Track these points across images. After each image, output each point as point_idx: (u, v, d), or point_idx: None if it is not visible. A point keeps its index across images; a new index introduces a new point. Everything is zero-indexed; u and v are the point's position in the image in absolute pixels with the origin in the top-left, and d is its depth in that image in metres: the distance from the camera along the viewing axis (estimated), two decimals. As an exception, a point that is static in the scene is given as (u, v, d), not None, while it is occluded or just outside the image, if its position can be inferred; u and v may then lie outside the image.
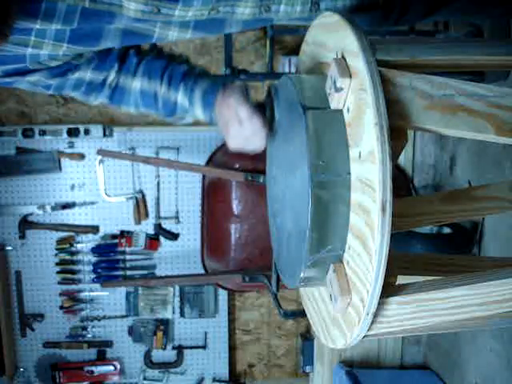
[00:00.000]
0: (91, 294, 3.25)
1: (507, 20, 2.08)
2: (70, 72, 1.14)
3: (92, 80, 1.18)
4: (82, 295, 3.26)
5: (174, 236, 3.25)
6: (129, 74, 1.19)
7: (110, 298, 3.29)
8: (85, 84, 1.18)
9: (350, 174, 0.89)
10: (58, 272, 3.21)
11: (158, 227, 3.21)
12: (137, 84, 1.20)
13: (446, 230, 2.61)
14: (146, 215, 3.20)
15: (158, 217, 3.21)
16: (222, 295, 3.34)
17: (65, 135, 3.04)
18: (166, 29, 1.10)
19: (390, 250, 0.82)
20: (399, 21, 1.36)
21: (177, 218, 3.23)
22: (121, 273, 3.22)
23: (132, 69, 1.19)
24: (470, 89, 0.90)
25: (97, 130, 3.03)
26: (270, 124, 1.10)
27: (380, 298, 0.84)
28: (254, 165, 2.85)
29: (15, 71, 1.09)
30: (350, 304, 0.90)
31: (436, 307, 0.90)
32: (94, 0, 0.99)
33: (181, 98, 1.19)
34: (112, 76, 1.19)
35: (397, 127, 0.86)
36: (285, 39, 3.08)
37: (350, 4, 1.22)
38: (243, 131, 1.09)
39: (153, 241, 3.23)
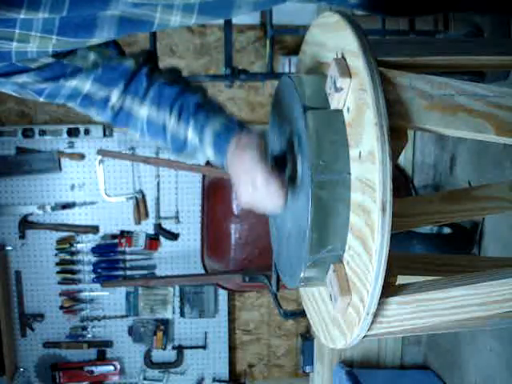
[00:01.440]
0: (91, 293, 3.26)
1: (507, 19, 2.08)
2: (64, 77, 1.01)
3: (90, 93, 1.05)
4: (82, 295, 3.26)
5: (174, 236, 3.25)
6: (136, 97, 1.06)
7: (110, 298, 3.29)
8: (81, 96, 1.05)
9: (350, 174, 0.89)
10: (58, 272, 3.21)
11: (158, 227, 3.21)
12: (144, 111, 1.07)
13: (446, 230, 2.61)
14: (146, 215, 3.20)
15: (158, 217, 3.21)
16: (222, 295, 3.34)
17: (65, 135, 3.05)
18: (167, 13, 0.97)
19: (389, 250, 0.82)
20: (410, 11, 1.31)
21: (177, 217, 3.23)
22: (121, 273, 3.23)
23: (141, 92, 1.06)
24: (470, 89, 0.90)
25: (97, 130, 3.04)
26: (291, 180, 0.98)
27: (380, 297, 0.84)
28: (254, 165, 2.85)
29: None
30: (350, 304, 0.90)
31: (436, 307, 0.90)
32: None
33: (190, 134, 1.06)
34: (115, 96, 1.05)
35: (397, 127, 0.86)
36: (285, 39, 3.08)
37: None
38: (256, 195, 0.98)
39: (153, 241, 3.23)
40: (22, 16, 0.87)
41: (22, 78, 1.00)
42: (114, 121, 1.09)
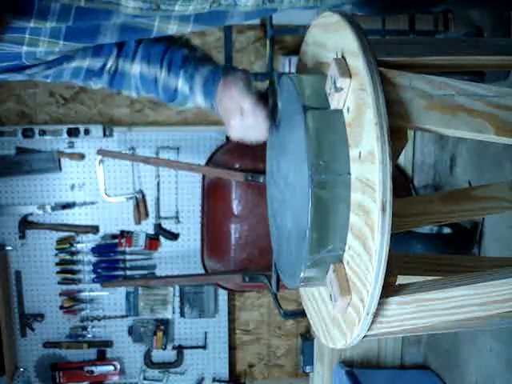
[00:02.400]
0: (91, 293, 3.26)
1: (507, 19, 2.08)
2: (66, 61, 1.12)
3: (90, 67, 1.15)
4: (82, 295, 3.26)
5: (174, 236, 3.25)
6: (128, 58, 1.17)
7: (110, 298, 3.29)
8: (83, 71, 1.15)
9: (350, 174, 0.89)
10: (58, 272, 3.21)
11: (158, 227, 3.22)
12: (136, 68, 1.18)
13: (446, 230, 2.61)
14: (146, 215, 3.20)
15: (158, 217, 3.21)
16: (222, 295, 3.34)
17: (65, 135, 3.05)
18: (165, 23, 1.07)
19: (389, 250, 0.82)
20: (405, 8, 1.34)
21: (177, 217, 3.23)
22: (121, 273, 3.23)
23: (131, 53, 1.17)
24: (470, 89, 0.90)
25: (97, 130, 3.04)
26: (272, 114, 1.09)
27: (380, 297, 0.84)
28: (254, 165, 2.85)
29: (10, 67, 1.07)
30: (349, 304, 0.90)
31: (436, 307, 0.90)
32: None
33: (181, 84, 1.17)
34: (111, 61, 1.16)
35: (397, 127, 0.86)
36: (285, 39, 3.08)
37: None
38: (245, 122, 1.07)
39: (153, 241, 3.23)
40: (31, 25, 0.96)
41: (32, 70, 1.10)
42: (110, 84, 1.20)
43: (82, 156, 3.11)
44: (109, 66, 1.17)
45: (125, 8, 0.99)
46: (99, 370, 3.31)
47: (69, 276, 3.22)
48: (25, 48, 1.01)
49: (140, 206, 3.17)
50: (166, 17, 1.06)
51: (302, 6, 1.15)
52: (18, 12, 0.94)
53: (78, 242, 3.20)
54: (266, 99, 1.10)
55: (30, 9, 0.94)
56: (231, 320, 3.46)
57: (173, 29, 1.09)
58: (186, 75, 1.16)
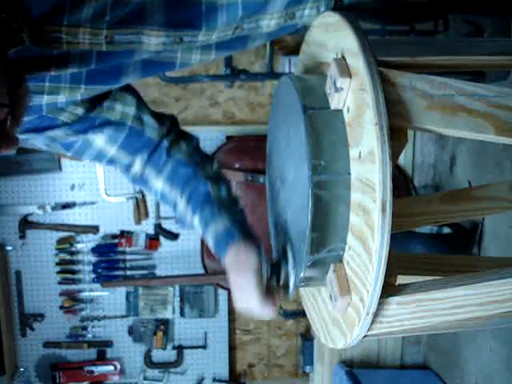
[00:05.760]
0: (91, 294, 3.25)
1: (507, 20, 2.08)
2: (92, 129, 1.06)
3: (115, 159, 1.11)
4: (82, 295, 3.26)
5: (174, 236, 3.24)
6: (154, 169, 1.14)
7: (110, 298, 3.29)
8: (106, 159, 1.11)
9: (349, 173, 0.89)
10: (58, 272, 3.21)
11: (158, 227, 3.21)
12: (159, 185, 1.15)
13: (446, 230, 2.61)
14: (146, 215, 3.20)
15: (158, 217, 3.21)
16: (222, 295, 3.34)
17: (65, 135, 3.04)
18: (188, 53, 1.04)
19: (389, 250, 0.82)
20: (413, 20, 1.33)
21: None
22: (121, 273, 3.22)
23: (159, 166, 1.13)
24: (470, 89, 0.90)
25: (97, 130, 3.03)
26: (285, 289, 1.05)
27: (380, 297, 0.84)
28: (254, 165, 2.85)
29: (31, 128, 1.02)
30: (349, 304, 0.90)
31: (436, 307, 0.90)
32: (111, 42, 0.92)
33: (196, 223, 1.15)
34: (138, 165, 1.13)
35: (397, 127, 0.86)
36: (285, 39, 3.08)
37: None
38: (250, 311, 1.05)
39: (153, 241, 3.23)
40: (52, 73, 0.93)
41: (55, 132, 1.05)
42: (132, 182, 1.17)
43: (82, 156, 3.11)
44: (136, 169, 1.13)
45: (147, 46, 0.95)
46: (99, 369, 3.31)
47: (69, 276, 3.22)
48: (45, 97, 0.96)
49: (140, 206, 3.17)
50: (188, 48, 1.02)
51: None
52: (38, 63, 0.90)
53: (78, 242, 3.20)
54: (278, 272, 1.05)
55: (50, 58, 0.91)
56: (231, 320, 3.46)
57: (196, 58, 1.05)
58: (201, 219, 1.13)
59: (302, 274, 0.96)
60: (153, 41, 0.95)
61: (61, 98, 0.98)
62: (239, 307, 1.07)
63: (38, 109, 0.98)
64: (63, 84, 0.96)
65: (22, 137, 1.00)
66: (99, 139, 1.08)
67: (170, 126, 1.16)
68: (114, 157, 1.11)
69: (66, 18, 0.87)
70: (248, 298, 1.03)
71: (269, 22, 1.04)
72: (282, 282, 1.05)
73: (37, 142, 1.08)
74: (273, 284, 1.05)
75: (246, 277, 1.04)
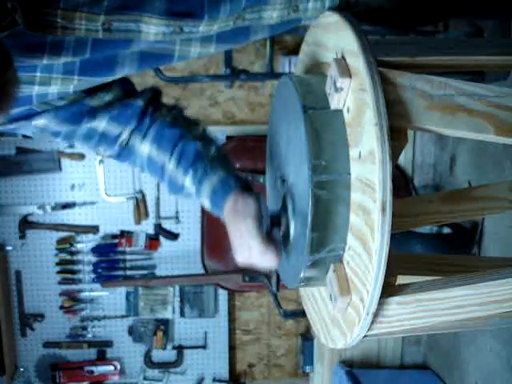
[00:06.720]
0: (91, 293, 3.25)
1: (507, 20, 2.08)
2: (82, 118, 1.03)
3: (106, 131, 1.07)
4: (82, 295, 3.26)
5: (174, 236, 3.24)
6: (139, 135, 1.09)
7: (110, 298, 3.29)
8: (97, 135, 1.06)
9: (350, 174, 0.89)
10: (58, 272, 3.21)
11: (158, 227, 3.21)
12: (145, 148, 1.10)
13: (446, 230, 2.61)
14: (146, 215, 3.20)
15: (158, 217, 3.21)
16: (222, 295, 3.34)
17: (65, 135, 3.04)
18: (187, 45, 1.00)
19: (390, 250, 0.82)
20: (416, 24, 1.33)
21: (177, 217, 3.23)
22: (121, 273, 3.22)
23: (143, 131, 1.09)
24: (469, 89, 0.90)
25: (97, 130, 3.03)
26: (285, 238, 1.03)
27: (380, 297, 0.84)
28: (253, 165, 2.85)
29: (19, 116, 0.97)
30: (349, 304, 0.90)
31: (436, 307, 0.91)
32: (108, 30, 0.88)
33: (188, 184, 1.09)
34: (126, 134, 1.08)
35: (397, 127, 0.87)
36: (285, 39, 3.08)
37: None
38: (252, 260, 1.01)
39: (153, 241, 3.23)
40: (44, 62, 0.88)
41: (42, 120, 1.00)
42: (118, 156, 1.12)
43: (82, 156, 3.11)
44: (122, 138, 1.08)
45: (146, 35, 0.92)
46: (99, 369, 3.31)
47: (69, 276, 3.22)
48: (36, 88, 0.92)
49: (140, 206, 3.17)
50: (187, 39, 0.99)
51: None
52: (30, 50, 0.86)
53: (78, 242, 3.20)
54: (278, 223, 1.03)
55: (43, 44, 0.86)
56: (231, 320, 3.46)
57: (195, 51, 1.02)
58: (194, 177, 1.08)
59: (302, 274, 0.96)
60: (152, 30, 0.91)
61: (52, 90, 0.94)
62: (239, 257, 1.02)
63: (28, 100, 0.94)
64: (55, 74, 0.92)
65: (10, 126, 0.98)
66: (87, 123, 1.05)
67: (153, 95, 1.13)
68: (105, 130, 1.06)
69: (62, 0, 0.84)
70: (248, 245, 0.99)
71: (271, 13, 1.02)
72: (282, 231, 1.02)
73: (27, 131, 1.04)
74: (274, 235, 1.02)
75: (245, 224, 1.00)
